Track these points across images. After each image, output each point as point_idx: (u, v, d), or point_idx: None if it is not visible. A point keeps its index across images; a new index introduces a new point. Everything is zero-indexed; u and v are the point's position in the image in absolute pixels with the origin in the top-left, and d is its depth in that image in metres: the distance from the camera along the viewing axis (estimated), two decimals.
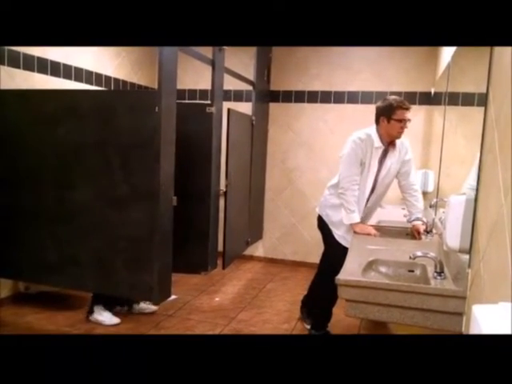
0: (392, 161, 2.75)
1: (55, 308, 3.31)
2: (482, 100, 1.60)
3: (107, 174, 2.58)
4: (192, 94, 4.93)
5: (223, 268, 3.59)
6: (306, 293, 3.27)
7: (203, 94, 4.79)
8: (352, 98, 4.51)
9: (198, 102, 4.83)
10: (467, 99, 2.28)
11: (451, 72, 2.81)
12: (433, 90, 4.10)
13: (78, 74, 3.82)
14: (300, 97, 4.68)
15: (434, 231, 2.68)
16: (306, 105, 4.67)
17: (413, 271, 2.05)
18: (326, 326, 2.96)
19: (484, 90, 1.56)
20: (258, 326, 3.20)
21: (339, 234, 2.84)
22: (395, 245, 2.42)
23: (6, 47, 3.12)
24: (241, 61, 4.34)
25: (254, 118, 4.15)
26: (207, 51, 3.10)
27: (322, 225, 2.96)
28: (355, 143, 2.68)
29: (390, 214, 3.47)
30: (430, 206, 3.19)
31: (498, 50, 1.45)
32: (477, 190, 1.53)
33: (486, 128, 1.52)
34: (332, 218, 2.88)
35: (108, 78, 4.19)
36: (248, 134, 4.07)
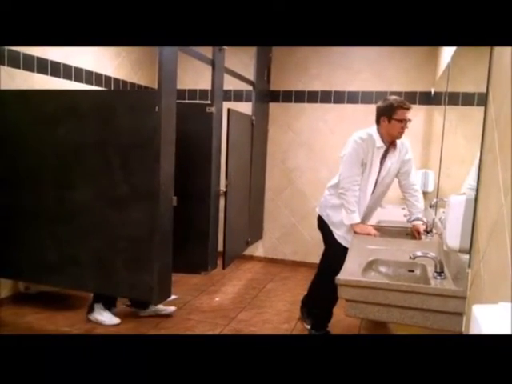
0: (392, 161, 2.75)
1: (55, 308, 3.31)
2: (481, 100, 1.60)
3: (107, 173, 2.58)
4: (192, 93, 4.93)
5: (223, 268, 3.59)
6: (306, 293, 3.27)
7: (203, 93, 4.79)
8: (352, 97, 4.51)
9: (198, 102, 4.83)
10: (467, 99, 2.28)
11: (451, 72, 2.81)
12: (433, 90, 4.10)
13: (78, 74, 3.81)
14: (300, 97, 4.68)
15: (434, 231, 2.68)
16: (306, 105, 4.67)
17: (413, 271, 2.05)
18: (327, 325, 2.96)
19: (484, 90, 1.56)
20: (257, 326, 3.20)
21: (340, 235, 2.84)
22: (395, 245, 2.42)
23: (6, 47, 3.12)
24: (241, 61, 4.34)
25: (253, 117, 4.15)
26: (207, 51, 3.10)
27: (323, 225, 2.96)
28: (357, 143, 2.68)
29: (390, 213, 3.47)
30: (430, 206, 3.19)
31: (497, 49, 1.45)
32: (477, 189, 1.53)
33: (486, 128, 1.52)
34: (332, 218, 2.88)
35: (108, 78, 4.19)
36: (248, 134, 4.07)
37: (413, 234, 2.73)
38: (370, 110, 4.28)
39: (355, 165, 2.69)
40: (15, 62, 3.21)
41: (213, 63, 3.16)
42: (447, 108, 2.94)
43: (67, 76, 3.69)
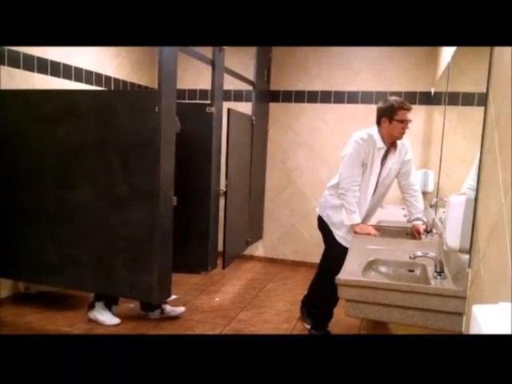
0: (392, 161, 2.75)
1: (55, 308, 3.31)
2: (481, 100, 1.60)
3: (107, 173, 2.58)
4: (192, 93, 4.93)
5: (223, 268, 3.59)
6: (306, 293, 3.27)
7: (203, 93, 4.79)
8: (352, 97, 4.51)
9: (198, 101, 4.83)
10: (467, 99, 2.28)
11: (451, 72, 2.81)
12: (433, 90, 4.10)
13: (78, 74, 3.81)
14: (300, 97, 4.68)
15: (434, 231, 2.68)
16: (306, 105, 4.67)
17: (413, 271, 2.05)
18: (327, 325, 2.96)
19: (484, 90, 1.56)
20: (257, 326, 3.20)
21: (340, 235, 2.84)
22: (395, 245, 2.42)
23: (6, 47, 3.12)
24: (241, 61, 4.34)
25: (253, 117, 4.15)
26: (207, 51, 3.10)
27: (323, 225, 2.96)
28: (358, 144, 2.67)
29: (390, 213, 3.47)
30: (430, 206, 3.20)
31: (497, 49, 1.45)
32: (477, 189, 1.53)
33: (486, 128, 1.52)
34: (333, 218, 2.87)
35: (108, 78, 4.19)
36: (248, 134, 4.07)
37: (413, 233, 2.73)
38: (370, 109, 4.29)
39: (356, 165, 2.68)
40: (15, 61, 3.21)
41: (213, 63, 3.16)
42: (447, 108, 2.94)
43: (67, 76, 3.69)
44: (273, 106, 4.76)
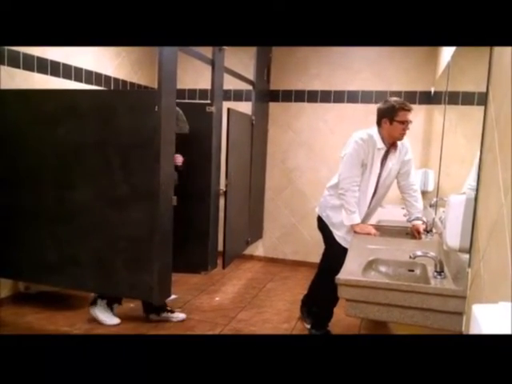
0: (393, 162, 2.75)
1: (55, 308, 3.31)
2: (481, 99, 1.60)
3: (107, 173, 2.58)
4: (192, 93, 4.93)
5: (223, 267, 3.59)
6: (306, 292, 3.27)
7: (203, 93, 4.79)
8: (352, 97, 4.51)
9: (197, 101, 4.83)
10: (467, 98, 2.28)
11: (451, 71, 2.81)
12: (433, 90, 4.10)
13: (78, 73, 3.81)
14: (300, 96, 4.68)
15: (433, 230, 2.68)
16: (305, 104, 4.67)
17: (413, 271, 2.05)
18: (327, 325, 2.96)
19: (484, 89, 1.56)
20: (258, 326, 3.20)
21: (339, 235, 2.84)
22: (395, 244, 2.42)
23: (6, 47, 3.12)
24: (241, 60, 4.34)
25: (253, 117, 4.15)
26: (207, 51, 3.10)
27: (322, 226, 2.96)
28: (357, 144, 2.67)
29: (390, 213, 3.47)
30: (430, 206, 3.20)
31: (497, 49, 1.45)
32: (477, 189, 1.53)
33: (486, 127, 1.52)
34: (332, 219, 2.87)
35: (108, 78, 4.19)
36: (248, 134, 4.07)
37: (412, 233, 2.73)
38: (370, 109, 4.29)
39: (355, 166, 2.68)
40: (15, 61, 3.21)
41: (213, 63, 3.16)
42: (447, 107, 2.94)
43: (67, 76, 3.69)
44: (273, 105, 4.76)
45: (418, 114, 4.05)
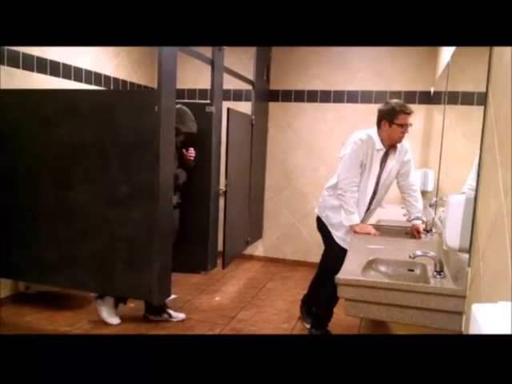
0: (393, 163, 2.75)
1: (55, 308, 3.31)
2: (481, 99, 1.60)
3: (107, 173, 2.58)
4: (191, 93, 4.93)
5: (223, 267, 3.59)
6: (305, 292, 3.27)
7: (203, 93, 4.79)
8: (351, 97, 4.51)
9: (197, 101, 4.83)
10: (467, 98, 2.28)
11: (451, 71, 2.81)
12: (432, 89, 4.10)
13: (78, 73, 3.81)
14: (299, 96, 4.68)
15: (433, 230, 2.68)
16: (305, 104, 4.67)
17: (412, 270, 2.05)
18: (327, 325, 2.96)
19: (483, 89, 1.56)
20: (257, 326, 3.20)
21: (339, 236, 2.83)
22: (395, 244, 2.43)
23: (6, 47, 3.12)
24: (240, 60, 4.34)
25: (253, 117, 4.15)
26: (207, 51, 3.10)
27: (321, 226, 2.95)
28: (356, 144, 2.67)
29: (390, 213, 3.47)
30: (430, 205, 3.20)
31: (497, 49, 1.45)
32: (476, 189, 1.53)
33: (486, 127, 1.52)
34: (331, 219, 2.87)
35: (107, 78, 4.19)
36: (248, 134, 4.07)
37: (412, 233, 2.73)
38: (370, 109, 4.30)
39: (354, 166, 2.68)
40: (14, 61, 3.21)
41: (212, 63, 3.16)
42: (447, 107, 2.94)
43: (66, 75, 3.69)
44: (272, 105, 4.76)
45: (417, 114, 4.05)
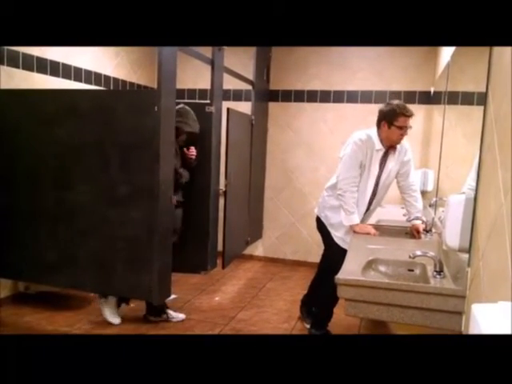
0: (392, 163, 2.75)
1: (55, 308, 3.30)
2: (481, 99, 1.60)
3: (106, 173, 2.58)
4: (191, 93, 4.93)
5: (223, 267, 3.59)
6: (305, 292, 3.27)
7: (202, 93, 4.79)
8: (351, 97, 4.51)
9: (197, 101, 4.83)
10: (467, 98, 2.28)
11: (451, 71, 2.81)
12: (432, 89, 4.10)
13: (78, 73, 3.81)
14: (299, 96, 4.68)
15: (433, 230, 2.68)
16: (305, 104, 4.67)
17: (412, 270, 2.05)
18: (327, 325, 2.96)
19: (483, 89, 1.56)
20: (257, 326, 3.20)
21: (338, 236, 2.83)
22: (395, 244, 2.43)
23: (6, 47, 3.12)
24: (240, 60, 4.34)
25: (253, 117, 4.15)
26: (207, 51, 3.10)
27: (321, 226, 2.95)
28: (356, 145, 2.67)
29: (389, 213, 3.47)
30: (430, 205, 3.20)
31: (497, 49, 1.45)
32: (476, 189, 1.53)
33: (486, 127, 1.52)
34: (331, 219, 2.87)
35: (107, 78, 4.19)
36: (247, 134, 4.07)
37: (412, 233, 2.73)
38: (370, 109, 4.30)
39: (353, 166, 2.68)
40: (14, 61, 3.21)
41: (212, 63, 3.16)
42: (447, 107, 2.94)
43: (66, 75, 3.69)
44: (272, 105, 4.76)
45: (417, 114, 4.03)
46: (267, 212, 4.90)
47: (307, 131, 4.69)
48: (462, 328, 1.58)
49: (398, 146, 2.75)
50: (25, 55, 3.29)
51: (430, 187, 3.47)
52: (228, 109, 3.47)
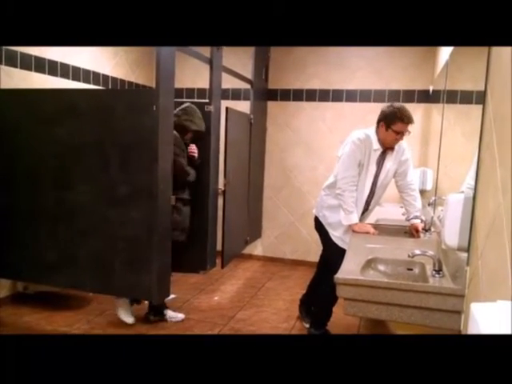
0: (390, 163, 2.75)
1: (54, 308, 3.30)
2: (480, 98, 1.60)
3: (105, 173, 2.58)
4: (190, 92, 4.92)
5: (222, 267, 3.59)
6: (305, 291, 3.27)
7: (201, 92, 4.78)
8: (350, 96, 4.51)
9: (196, 100, 4.81)
10: (465, 97, 2.28)
11: (449, 70, 2.81)
12: (431, 88, 4.10)
13: (76, 73, 3.81)
14: (298, 95, 4.68)
15: (432, 229, 2.68)
16: (304, 103, 4.67)
17: (411, 269, 2.05)
18: (326, 324, 2.96)
19: (482, 88, 1.57)
20: (256, 325, 3.20)
21: (336, 236, 2.82)
22: (394, 243, 2.43)
23: (4, 47, 3.11)
24: (239, 59, 4.34)
25: (252, 116, 4.14)
26: (205, 50, 3.10)
27: (319, 226, 2.95)
28: (355, 144, 2.67)
29: (388, 212, 3.47)
30: (429, 204, 3.20)
31: (495, 48, 1.45)
32: (475, 188, 1.54)
33: (484, 126, 1.52)
34: (329, 219, 2.86)
35: (106, 77, 4.19)
36: (246, 133, 4.07)
37: (411, 232, 2.74)
38: (368, 108, 4.31)
39: (352, 166, 2.68)
40: (13, 60, 3.21)
41: (211, 62, 3.16)
42: (445, 106, 2.95)
43: (65, 75, 3.69)
44: (271, 104, 4.76)
45: (416, 113, 4.05)
46: (266, 211, 4.90)
47: (306, 130, 4.69)
48: (461, 327, 1.58)
49: (396, 146, 2.74)
50: (23, 55, 3.28)
51: (429, 186, 3.47)
52: (227, 108, 3.47)
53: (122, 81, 4.45)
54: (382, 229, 2.82)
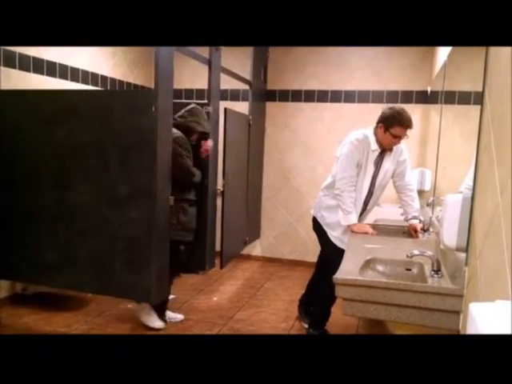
0: (388, 163, 2.75)
1: (53, 309, 3.30)
2: (478, 98, 1.60)
3: (104, 173, 2.58)
4: (189, 93, 4.92)
5: (221, 267, 3.59)
6: (303, 291, 3.27)
7: (200, 93, 4.79)
8: (349, 97, 4.51)
9: (194, 101, 4.81)
10: (464, 98, 2.29)
11: (447, 70, 2.82)
12: (429, 89, 4.11)
13: (74, 73, 3.80)
14: (297, 96, 4.68)
15: (431, 230, 2.68)
16: (302, 104, 4.67)
17: (410, 270, 2.06)
18: (325, 325, 2.96)
19: (480, 89, 1.57)
20: (255, 326, 3.20)
21: (335, 236, 2.82)
22: (392, 243, 2.43)
23: (2, 47, 3.11)
24: (237, 60, 4.34)
25: (250, 117, 4.15)
26: (204, 51, 3.10)
27: (317, 226, 2.94)
28: (353, 145, 2.67)
29: (387, 212, 3.47)
30: (427, 205, 3.20)
31: (493, 49, 1.46)
32: (473, 188, 1.54)
33: (482, 127, 1.52)
34: (327, 219, 2.86)
35: (104, 78, 4.18)
36: (245, 134, 4.07)
37: (409, 232, 2.74)
38: (367, 109, 4.32)
39: (350, 166, 2.68)
40: (11, 61, 3.20)
41: (209, 63, 3.16)
42: (444, 107, 2.95)
43: (63, 76, 3.68)
44: (270, 105, 4.76)
45: (414, 114, 4.05)
46: (265, 212, 4.91)
47: (304, 131, 4.69)
48: (460, 327, 1.59)
49: (394, 146, 2.75)
50: (21, 55, 3.28)
51: (428, 186, 3.48)
52: (225, 109, 3.47)
53: (121, 81, 4.45)
54: (381, 229, 2.82)
